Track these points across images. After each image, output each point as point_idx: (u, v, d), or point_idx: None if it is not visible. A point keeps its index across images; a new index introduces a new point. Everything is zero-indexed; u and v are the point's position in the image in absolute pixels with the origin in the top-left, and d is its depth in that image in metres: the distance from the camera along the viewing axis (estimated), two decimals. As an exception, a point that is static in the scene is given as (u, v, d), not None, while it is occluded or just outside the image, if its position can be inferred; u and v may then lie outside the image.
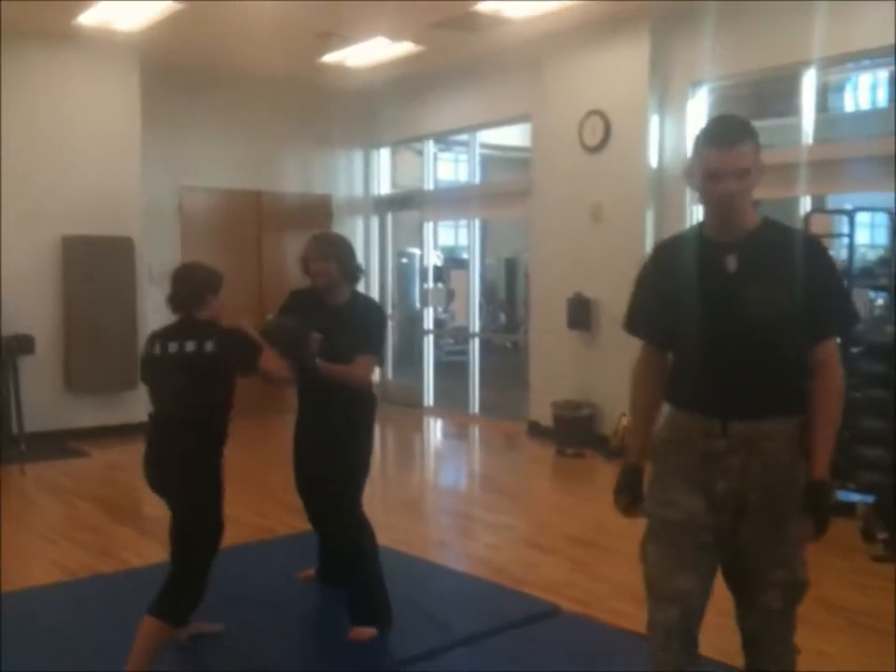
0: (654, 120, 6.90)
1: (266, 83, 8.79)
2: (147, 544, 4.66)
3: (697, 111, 6.82)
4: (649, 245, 6.92)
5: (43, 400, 7.36)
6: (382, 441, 9.03)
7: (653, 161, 6.94)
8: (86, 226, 7.60)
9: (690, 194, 6.80)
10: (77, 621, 3.71)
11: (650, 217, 6.94)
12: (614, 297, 6.99)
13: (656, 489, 2.35)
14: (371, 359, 3.54)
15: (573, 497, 5.98)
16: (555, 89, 7.54)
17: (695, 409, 2.29)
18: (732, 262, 2.23)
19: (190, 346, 3.10)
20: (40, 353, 7.28)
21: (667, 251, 2.44)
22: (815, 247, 2.30)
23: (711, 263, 2.25)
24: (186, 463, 3.10)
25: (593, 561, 4.48)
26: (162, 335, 3.20)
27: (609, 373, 7.01)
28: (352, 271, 3.59)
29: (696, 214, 6.88)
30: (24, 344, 7.17)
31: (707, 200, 2.26)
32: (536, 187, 7.82)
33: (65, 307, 7.60)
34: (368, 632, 3.50)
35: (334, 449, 3.53)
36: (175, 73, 8.24)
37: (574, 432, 7.00)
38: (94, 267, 7.61)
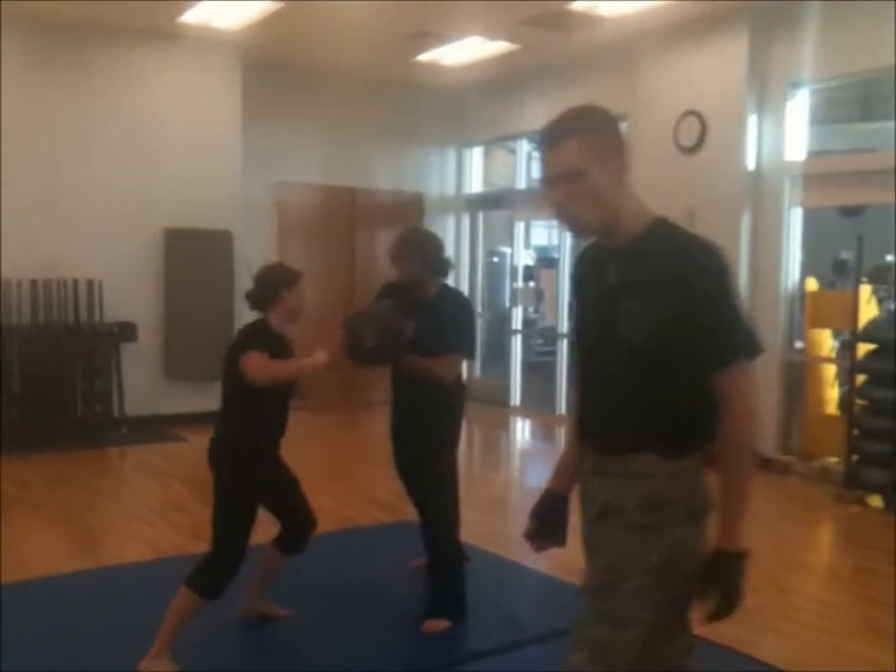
0: (752, 121, 6.76)
1: (361, 81, 8.94)
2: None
3: (797, 113, 6.66)
4: (744, 250, 6.79)
5: (143, 386, 7.66)
6: (468, 439, 9.09)
7: (750, 164, 6.79)
8: (187, 219, 7.87)
9: (789, 197, 6.66)
10: (165, 596, 3.85)
11: (746, 221, 6.80)
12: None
13: None
14: (458, 358, 3.58)
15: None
16: (650, 88, 7.45)
17: (582, 437, 2.05)
18: (612, 273, 1.93)
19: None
20: (142, 340, 7.58)
21: (581, 258, 2.14)
22: (705, 260, 1.87)
23: (598, 274, 1.98)
24: (222, 449, 3.25)
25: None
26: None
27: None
28: (438, 266, 3.62)
29: (795, 218, 6.72)
30: (127, 332, 7.47)
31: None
32: (629, 187, 7.72)
33: (166, 297, 7.89)
34: (440, 624, 3.56)
35: (428, 437, 3.58)
36: (272, 71, 8.46)
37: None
38: (194, 259, 7.88)
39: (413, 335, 3.36)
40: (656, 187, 7.35)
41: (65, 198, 7.42)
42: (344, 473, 6.05)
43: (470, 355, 3.68)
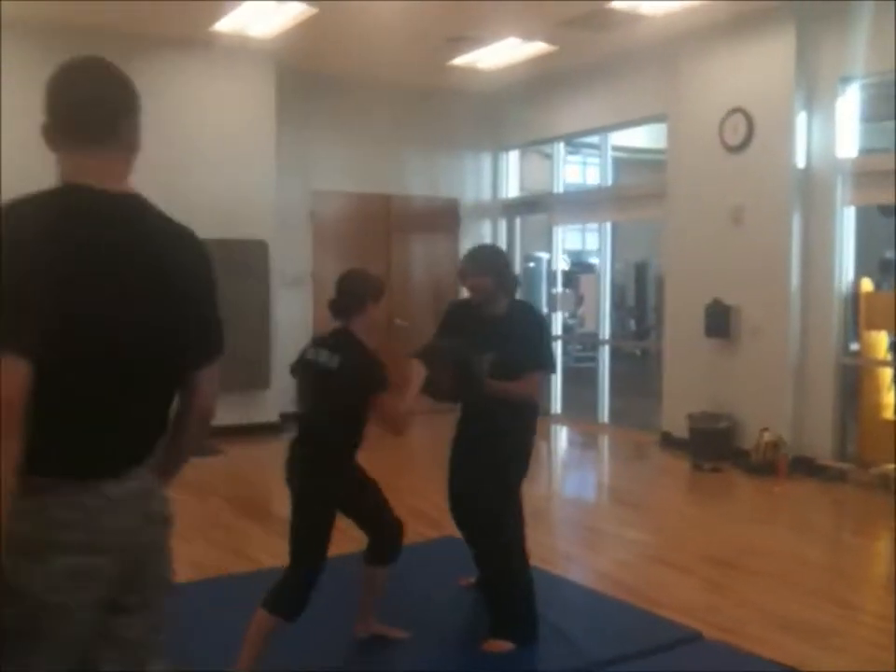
0: (801, 118, 6.54)
1: (396, 87, 8.83)
2: (278, 543, 4.65)
3: (847, 109, 6.43)
4: (795, 251, 6.57)
5: (180, 399, 7.56)
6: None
7: (800, 161, 6.57)
8: (222, 229, 7.78)
9: (841, 195, 6.43)
10: (209, 619, 3.73)
11: (796, 221, 6.58)
12: (756, 304, 6.72)
13: None
14: (539, 375, 3.48)
15: (711, 513, 5.69)
16: (693, 87, 7.26)
17: None
18: None
19: (331, 359, 3.09)
20: (178, 353, 7.48)
21: None
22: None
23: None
24: (308, 467, 3.13)
25: (734, 584, 4.22)
26: (317, 341, 3.25)
27: (749, 385, 6.70)
28: (508, 282, 3.53)
29: (848, 216, 6.49)
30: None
31: None
32: (671, 188, 7.55)
33: (202, 308, 7.79)
34: (503, 645, 3.39)
35: (492, 464, 3.45)
36: (307, 78, 8.37)
37: (711, 445, 6.69)
38: (229, 270, 7.74)
39: (488, 370, 3.27)
40: (701, 186, 7.20)
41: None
42: (386, 486, 5.89)
43: (551, 369, 3.59)
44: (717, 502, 6.04)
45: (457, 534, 5.02)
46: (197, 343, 1.67)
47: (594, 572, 4.49)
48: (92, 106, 1.66)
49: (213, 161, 7.76)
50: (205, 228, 7.98)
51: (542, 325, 3.65)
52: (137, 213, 1.68)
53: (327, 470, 3.11)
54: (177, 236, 1.74)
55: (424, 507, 5.47)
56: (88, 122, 1.65)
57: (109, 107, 1.68)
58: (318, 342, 3.23)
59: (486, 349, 3.37)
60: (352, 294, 3.16)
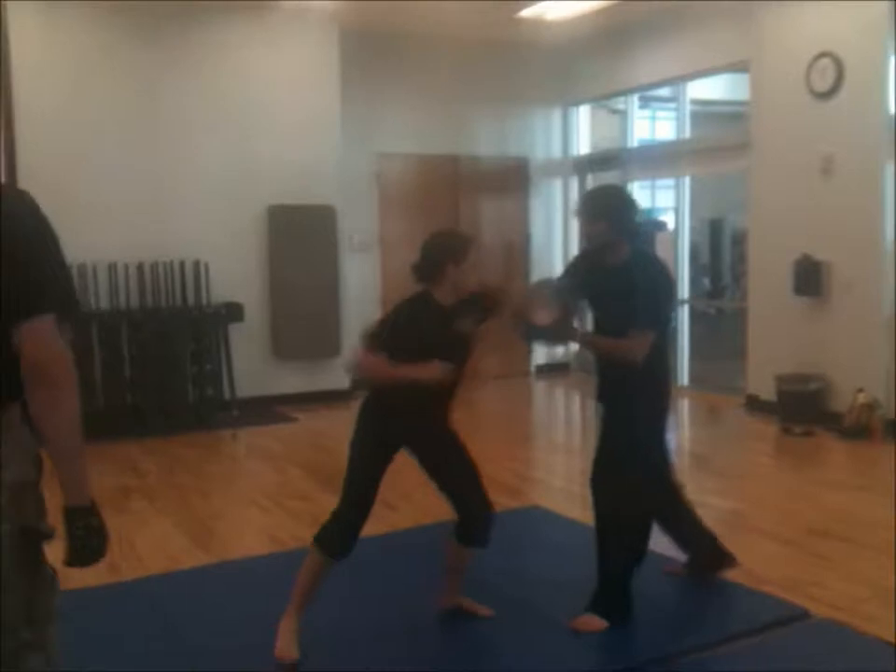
0: (894, 62, 6.10)
1: (461, 43, 8.55)
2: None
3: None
4: (889, 203, 6.17)
5: (252, 367, 7.52)
6: (569, 409, 8.73)
7: (893, 107, 6.14)
8: (289, 195, 7.67)
9: (943, 141, 6.00)
10: (285, 593, 3.64)
11: (889, 170, 6.16)
12: (848, 259, 6.34)
13: None
14: (647, 335, 3.14)
15: (808, 480, 5.38)
16: (777, 31, 6.85)
17: None
18: None
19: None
20: (249, 320, 7.43)
21: None
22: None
23: None
24: (361, 408, 3.19)
25: (842, 557, 3.96)
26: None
27: (841, 344, 6.35)
28: (628, 229, 3.23)
29: (948, 163, 6.07)
30: (234, 312, 7.33)
31: None
32: (755, 139, 7.16)
33: (270, 276, 7.72)
34: (595, 623, 3.22)
35: (621, 441, 3.26)
36: (369, 38, 8.14)
37: (802, 408, 6.38)
38: (298, 236, 7.68)
39: (579, 317, 3.14)
40: (787, 136, 6.82)
41: (168, 179, 7.29)
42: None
43: (661, 328, 3.22)
44: (810, 468, 5.74)
45: (539, 502, 4.92)
46: (12, 296, 1.59)
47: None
48: None
49: (278, 126, 7.62)
50: (273, 195, 8.01)
51: (661, 281, 3.25)
52: None
53: (374, 413, 3.09)
54: None
55: (500, 475, 5.32)
56: None
57: None
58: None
59: (598, 300, 3.22)
60: (429, 258, 3.06)
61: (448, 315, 3.02)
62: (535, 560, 4.05)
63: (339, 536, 3.03)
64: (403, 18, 7.84)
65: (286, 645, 2.99)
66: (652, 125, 13.97)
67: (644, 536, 3.30)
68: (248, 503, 5.05)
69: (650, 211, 14.91)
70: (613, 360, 3.20)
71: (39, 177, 6.70)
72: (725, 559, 3.64)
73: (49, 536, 1.73)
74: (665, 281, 3.29)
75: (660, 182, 11.71)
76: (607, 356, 3.25)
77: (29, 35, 6.75)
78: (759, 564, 3.86)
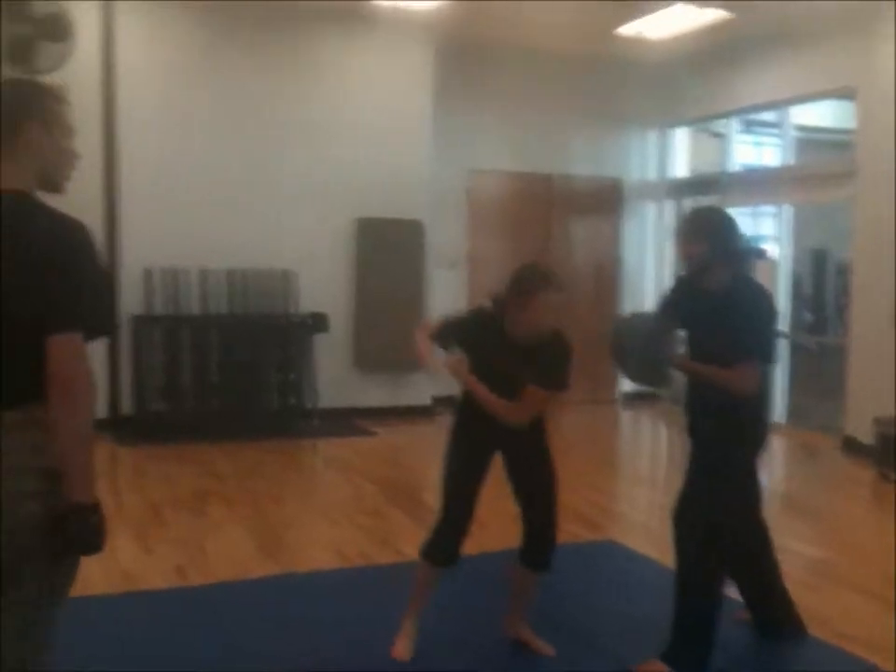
0: None
1: (558, 59, 8.45)
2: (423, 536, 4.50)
3: None
4: None
5: (335, 377, 7.55)
6: (655, 439, 8.46)
7: None
8: (378, 208, 7.69)
9: None
10: (345, 611, 3.58)
11: None
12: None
13: None
14: (755, 365, 2.93)
15: (901, 531, 5.08)
16: (888, 57, 6.53)
17: None
18: None
19: None
20: (333, 331, 7.46)
21: None
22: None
23: None
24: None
25: (936, 617, 3.68)
26: None
27: (949, 387, 6.00)
28: (730, 254, 3.02)
29: None
30: (319, 322, 7.38)
31: None
32: (861, 167, 6.85)
33: (357, 288, 7.74)
34: (659, 669, 3.04)
35: (709, 481, 3.07)
36: (464, 53, 8.11)
37: (901, 453, 6.03)
38: (385, 248, 7.69)
39: (672, 350, 3.01)
40: (895, 165, 6.50)
41: (261, 186, 7.39)
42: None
43: (768, 360, 3.04)
44: (908, 518, 5.41)
45: (616, 537, 4.75)
46: (44, 312, 1.79)
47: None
48: None
49: (370, 139, 7.65)
50: (362, 207, 8.01)
51: (768, 307, 3.05)
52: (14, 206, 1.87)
53: (467, 418, 3.13)
54: (39, 224, 1.89)
55: (578, 505, 5.17)
56: None
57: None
58: None
59: (696, 327, 3.05)
60: (505, 290, 3.01)
61: (508, 342, 2.99)
62: (604, 597, 3.89)
63: (443, 547, 3.10)
64: (500, 31, 7.79)
65: (403, 646, 3.13)
66: (758, 151, 13.61)
67: (722, 583, 3.10)
68: (320, 515, 5.03)
69: (749, 240, 14.51)
70: (715, 391, 3.00)
71: (137, 179, 6.93)
72: (795, 628, 3.40)
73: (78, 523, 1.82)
74: (769, 310, 3.08)
75: (762, 209, 11.37)
76: (708, 385, 3.04)
77: (133, 37, 6.96)
78: (842, 618, 3.63)
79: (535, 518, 3.12)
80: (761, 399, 3.11)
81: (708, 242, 3.01)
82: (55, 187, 2.01)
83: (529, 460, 3.15)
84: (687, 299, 3.15)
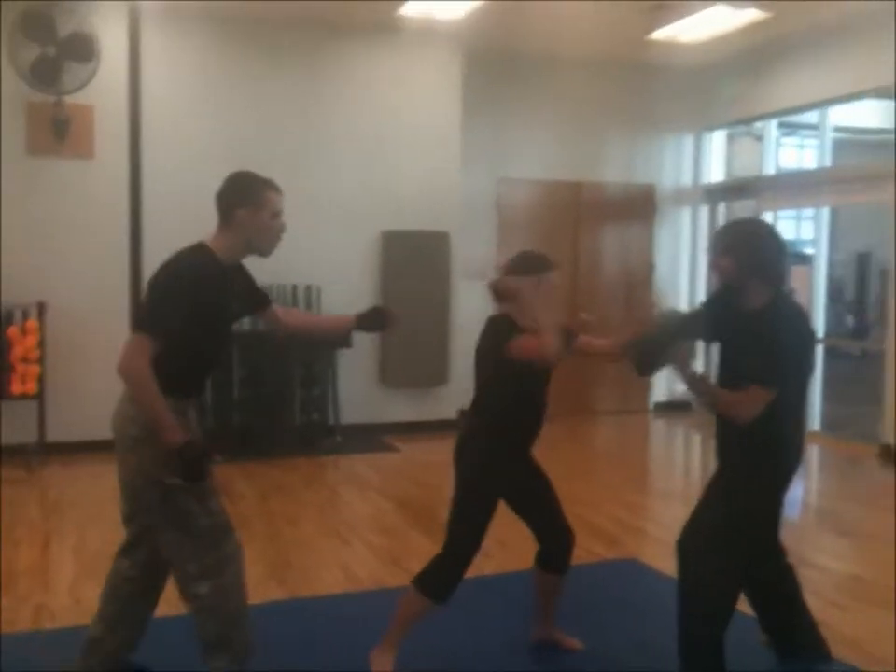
0: None
1: (589, 65, 8.30)
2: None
3: None
4: None
5: (358, 393, 7.46)
6: (687, 451, 8.23)
7: None
8: (405, 220, 7.59)
9: None
10: (350, 638, 3.47)
11: None
12: None
13: None
14: (761, 393, 2.71)
15: (943, 547, 4.81)
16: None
17: None
18: None
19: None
20: (357, 345, 7.37)
21: None
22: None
23: None
24: (468, 442, 3.18)
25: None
26: None
27: None
28: (765, 270, 2.80)
29: None
30: (343, 338, 7.29)
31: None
32: (902, 168, 6.59)
33: (382, 301, 7.64)
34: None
35: (714, 510, 2.92)
36: (493, 61, 8.00)
37: (943, 465, 5.76)
38: (411, 262, 7.59)
39: (686, 363, 2.84)
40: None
41: (286, 202, 7.29)
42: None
43: (773, 386, 2.72)
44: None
45: (638, 554, 4.57)
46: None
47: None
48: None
49: (398, 151, 7.57)
50: (388, 220, 7.94)
51: (796, 336, 2.80)
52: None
53: (479, 453, 3.05)
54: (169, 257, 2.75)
55: (599, 521, 5.01)
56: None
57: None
58: None
59: (725, 347, 2.92)
60: (506, 283, 3.10)
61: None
62: (618, 617, 3.73)
63: (445, 582, 2.99)
64: (529, 37, 7.66)
65: (383, 663, 3.02)
66: (800, 154, 13.31)
67: (723, 620, 2.89)
68: (332, 535, 4.92)
69: (792, 243, 14.21)
70: (717, 412, 2.88)
71: (161, 195, 6.92)
72: (817, 651, 3.20)
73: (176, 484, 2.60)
74: (795, 336, 2.80)
75: (807, 213, 11.10)
76: (710, 404, 2.91)
77: (158, 54, 6.96)
78: (871, 639, 3.43)
79: (547, 525, 3.17)
80: (791, 428, 2.89)
81: (735, 256, 2.82)
82: (261, 253, 2.86)
83: (526, 480, 3.17)
84: (721, 315, 2.95)
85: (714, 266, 2.95)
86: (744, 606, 3.15)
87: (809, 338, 2.89)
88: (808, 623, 3.23)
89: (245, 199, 2.71)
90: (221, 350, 2.94)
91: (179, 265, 2.64)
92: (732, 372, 2.88)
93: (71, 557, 4.39)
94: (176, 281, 2.59)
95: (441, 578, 2.99)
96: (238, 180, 2.79)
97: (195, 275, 2.60)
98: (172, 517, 2.64)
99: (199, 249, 2.72)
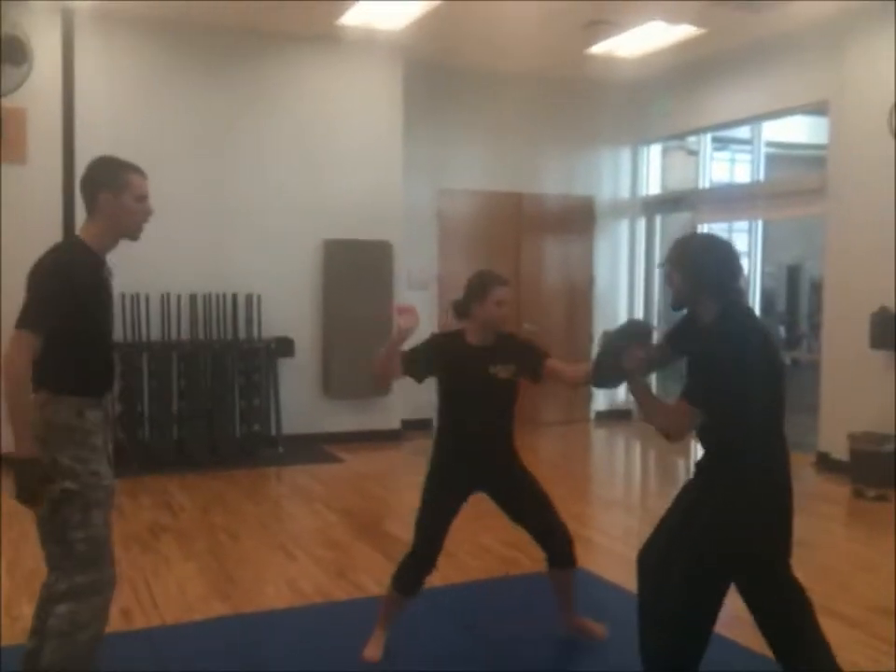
0: None
1: (528, 79, 8.40)
2: (385, 568, 4.33)
3: None
4: (979, 251, 5.73)
5: (300, 403, 7.38)
6: (642, 463, 8.33)
7: None
8: (346, 230, 7.56)
9: None
10: (294, 653, 3.41)
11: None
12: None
13: None
14: (686, 408, 2.67)
15: (879, 551, 4.91)
16: (860, 72, 6.51)
17: None
18: None
19: None
20: (299, 355, 7.31)
21: None
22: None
23: None
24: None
25: (911, 643, 3.55)
26: None
27: (922, 404, 5.90)
28: (713, 285, 2.73)
29: None
30: (284, 347, 7.23)
31: None
32: (832, 184, 6.79)
33: (324, 311, 7.59)
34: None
35: (680, 536, 2.82)
36: (434, 73, 8.04)
37: (876, 470, 5.92)
38: (353, 271, 7.54)
39: (638, 367, 2.86)
40: (867, 181, 6.42)
41: (224, 209, 7.25)
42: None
43: (698, 404, 2.66)
44: (883, 537, 5.26)
45: (584, 563, 4.58)
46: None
47: (736, 620, 3.78)
48: None
49: (339, 160, 7.55)
50: (330, 229, 7.88)
51: (729, 350, 2.66)
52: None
53: (450, 457, 3.29)
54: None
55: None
56: None
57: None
58: None
59: (687, 363, 2.84)
60: (463, 297, 3.31)
61: (478, 355, 3.24)
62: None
63: (407, 579, 3.29)
64: (470, 50, 7.72)
65: (371, 649, 3.31)
66: (732, 168, 13.61)
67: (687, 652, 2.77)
68: (277, 548, 4.84)
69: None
70: (649, 423, 2.88)
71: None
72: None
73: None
74: (740, 350, 2.66)
75: (739, 226, 11.35)
76: (645, 413, 2.90)
77: (93, 59, 6.81)
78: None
79: (545, 528, 3.35)
80: (765, 436, 2.75)
81: (682, 271, 2.79)
82: (129, 237, 2.76)
83: (514, 486, 3.35)
84: (685, 329, 2.94)
85: (667, 279, 2.94)
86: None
87: (765, 349, 2.78)
88: (823, 657, 2.96)
89: (107, 182, 2.66)
90: (110, 339, 2.86)
91: (50, 260, 2.61)
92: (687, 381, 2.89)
93: (6, 576, 4.24)
94: (50, 276, 2.57)
95: (405, 574, 3.29)
96: (98, 165, 2.73)
97: (68, 269, 2.58)
98: (54, 529, 2.60)
99: (70, 243, 2.81)
